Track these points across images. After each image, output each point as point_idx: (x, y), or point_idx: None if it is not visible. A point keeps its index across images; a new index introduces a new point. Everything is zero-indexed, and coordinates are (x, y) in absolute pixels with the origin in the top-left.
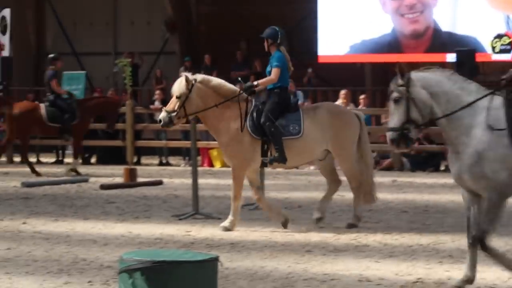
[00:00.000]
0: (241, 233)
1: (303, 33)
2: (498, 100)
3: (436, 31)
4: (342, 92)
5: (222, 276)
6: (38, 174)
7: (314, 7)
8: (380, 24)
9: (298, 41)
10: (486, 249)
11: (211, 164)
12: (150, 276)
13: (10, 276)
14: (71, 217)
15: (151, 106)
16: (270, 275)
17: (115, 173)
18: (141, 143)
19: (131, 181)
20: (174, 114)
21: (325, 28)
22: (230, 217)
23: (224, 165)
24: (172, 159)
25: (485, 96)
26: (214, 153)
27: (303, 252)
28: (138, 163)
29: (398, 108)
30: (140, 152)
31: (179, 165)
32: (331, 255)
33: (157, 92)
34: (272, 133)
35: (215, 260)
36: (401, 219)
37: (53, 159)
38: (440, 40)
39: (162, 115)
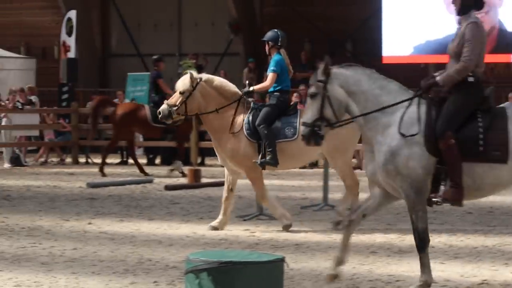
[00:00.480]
0: (306, 234)
1: (367, 33)
2: (416, 104)
3: (502, 32)
4: None
5: (287, 277)
6: (146, 174)
7: (379, 7)
8: (444, 24)
9: (362, 41)
10: (425, 252)
11: None
12: (216, 277)
13: (77, 276)
14: (136, 217)
15: None
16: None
17: (180, 174)
18: (205, 144)
19: (195, 182)
20: (174, 108)
21: (389, 29)
22: (279, 214)
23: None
24: None
25: (404, 101)
26: None
27: (368, 253)
28: (202, 164)
29: (313, 103)
30: (204, 153)
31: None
32: (396, 256)
33: None
34: (265, 136)
35: (281, 261)
36: (466, 221)
37: (118, 160)
38: (505, 41)
39: (163, 107)
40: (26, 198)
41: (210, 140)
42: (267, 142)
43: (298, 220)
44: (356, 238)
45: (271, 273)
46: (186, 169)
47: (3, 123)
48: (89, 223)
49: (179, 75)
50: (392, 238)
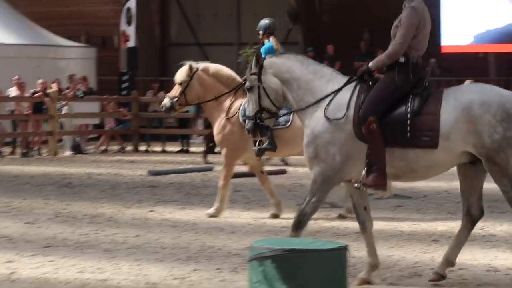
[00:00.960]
0: None
1: None
2: (350, 89)
3: None
4: (467, 82)
5: (349, 265)
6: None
7: None
8: (504, 13)
9: None
10: (297, 233)
11: None
12: (280, 264)
13: (140, 263)
14: (197, 205)
15: None
16: (397, 264)
17: (240, 162)
18: None
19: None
20: (175, 100)
21: (449, 18)
22: (216, 204)
23: None
24: None
25: (338, 90)
26: None
27: (430, 241)
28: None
29: (251, 97)
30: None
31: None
32: None
33: None
34: None
35: (344, 249)
36: None
37: (178, 148)
38: None
39: (165, 100)
40: (87, 185)
41: None
42: None
43: None
44: (417, 226)
45: (335, 261)
46: None
47: (64, 112)
48: (151, 211)
49: (238, 65)
50: (453, 226)
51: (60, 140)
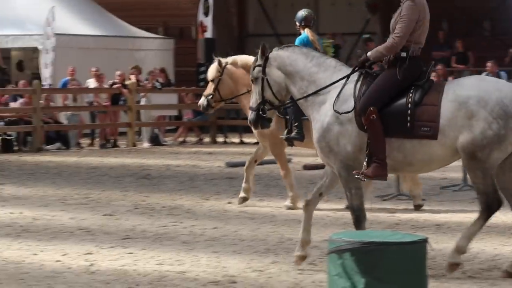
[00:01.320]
0: (446, 215)
1: (505, 12)
2: (354, 80)
3: None
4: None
5: (429, 258)
6: None
7: None
8: None
9: (500, 20)
10: (361, 227)
11: None
12: (359, 257)
13: (218, 255)
14: (276, 197)
15: None
16: (477, 257)
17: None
18: None
19: None
20: (210, 97)
21: None
22: (289, 194)
23: None
24: None
25: (341, 79)
26: None
27: (509, 234)
28: None
29: (255, 88)
30: None
31: None
32: None
33: None
34: (291, 111)
35: (424, 241)
36: None
37: (256, 140)
38: None
39: (201, 100)
40: (165, 177)
41: None
42: (293, 118)
43: (438, 200)
44: (497, 219)
45: (414, 254)
46: None
47: (142, 103)
48: (229, 203)
49: None
50: None
51: (138, 132)
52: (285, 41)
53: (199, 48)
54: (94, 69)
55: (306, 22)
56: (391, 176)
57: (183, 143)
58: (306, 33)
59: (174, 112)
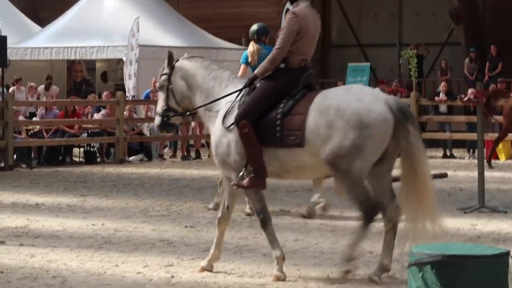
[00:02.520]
0: None
1: None
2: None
3: None
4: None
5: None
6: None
7: None
8: None
9: None
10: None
11: (496, 157)
12: (440, 270)
13: (298, 267)
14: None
15: (436, 98)
16: None
17: (396, 166)
18: (425, 135)
19: None
20: None
21: None
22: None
23: (509, 157)
24: (456, 152)
25: (228, 95)
26: (499, 145)
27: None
28: None
29: (161, 94)
30: (424, 144)
31: (463, 158)
32: None
33: (442, 83)
34: None
35: (506, 254)
36: None
37: None
38: None
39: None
40: None
41: (430, 131)
42: None
43: None
44: None
45: (496, 267)
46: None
47: None
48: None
49: (400, 65)
50: None
51: None
52: (368, 52)
53: None
54: None
55: (258, 35)
56: (473, 188)
57: None
58: (250, 46)
59: None
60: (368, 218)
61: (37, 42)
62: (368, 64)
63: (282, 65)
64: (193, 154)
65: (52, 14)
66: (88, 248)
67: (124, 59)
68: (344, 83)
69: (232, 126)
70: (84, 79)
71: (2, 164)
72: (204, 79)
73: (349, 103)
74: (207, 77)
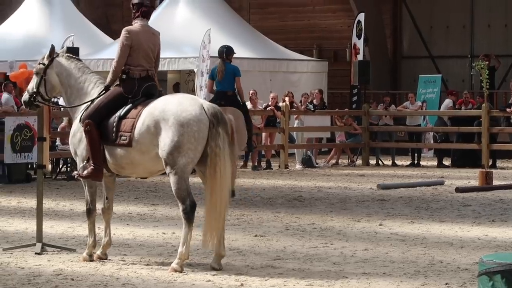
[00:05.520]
0: None
1: None
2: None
3: None
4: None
5: None
6: None
7: None
8: None
9: None
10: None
11: None
12: (510, 279)
13: (368, 277)
14: (427, 219)
15: (508, 109)
16: None
17: (470, 176)
18: (497, 146)
19: (487, 184)
20: None
21: None
22: None
23: None
24: None
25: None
26: None
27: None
28: (493, 166)
29: (34, 79)
30: (496, 155)
31: None
32: None
33: None
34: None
35: None
36: None
37: (408, 162)
38: None
39: None
40: (317, 198)
41: (502, 143)
42: None
43: None
44: None
45: None
46: (477, 171)
47: (295, 125)
48: (380, 224)
49: (471, 77)
50: None
51: (290, 154)
52: (440, 63)
53: (353, 70)
54: (252, 91)
55: (226, 55)
56: None
57: (335, 165)
58: (218, 65)
59: (327, 135)
60: (188, 214)
61: (109, 53)
62: (440, 75)
63: (123, 76)
64: (263, 164)
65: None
66: (158, 256)
67: (195, 70)
68: (415, 95)
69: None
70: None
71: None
72: (76, 80)
73: (171, 106)
74: (79, 79)
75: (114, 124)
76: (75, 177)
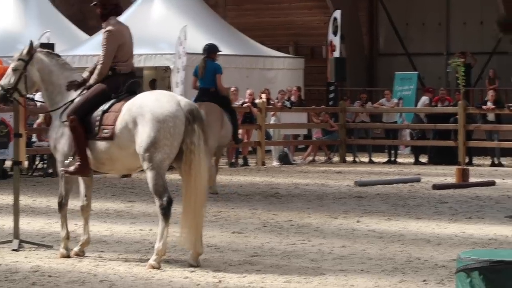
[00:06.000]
0: None
1: None
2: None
3: None
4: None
5: None
6: None
7: None
8: None
9: None
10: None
11: None
12: (488, 276)
13: (346, 274)
14: (404, 216)
15: (483, 107)
16: None
17: (447, 173)
18: (473, 143)
19: (463, 181)
20: None
21: None
22: None
23: None
24: (504, 160)
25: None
26: None
27: None
28: (470, 163)
29: (13, 74)
30: (472, 152)
31: (511, 166)
32: None
33: (490, 92)
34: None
35: None
36: None
37: (385, 159)
38: None
39: None
40: (294, 195)
41: (478, 140)
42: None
43: None
44: None
45: None
46: (453, 168)
47: (272, 122)
48: (357, 221)
49: (447, 74)
50: None
51: (267, 151)
52: (416, 61)
53: (329, 67)
54: (233, 88)
55: (208, 53)
56: None
57: (312, 162)
58: (200, 62)
59: (304, 131)
60: (164, 209)
61: (85, 49)
62: (416, 73)
63: (110, 72)
64: (240, 161)
65: (100, 23)
66: (135, 253)
67: (171, 67)
68: (391, 92)
69: (66, 121)
70: None
71: (51, 170)
72: (58, 77)
73: (148, 102)
74: (60, 75)
75: (98, 118)
76: (62, 173)
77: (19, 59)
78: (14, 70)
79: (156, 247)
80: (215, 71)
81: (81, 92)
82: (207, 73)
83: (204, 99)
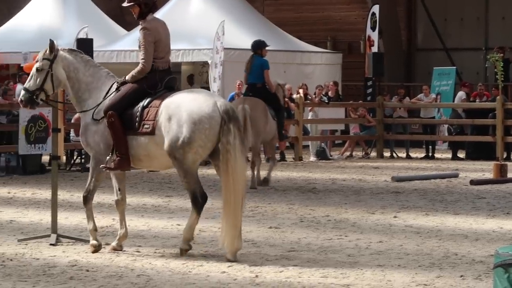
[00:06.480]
0: None
1: None
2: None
3: None
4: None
5: None
6: None
7: None
8: None
9: None
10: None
11: None
12: None
13: (383, 269)
14: (442, 211)
15: None
16: None
17: (485, 169)
18: (511, 138)
19: (501, 176)
20: None
21: None
22: None
23: None
24: None
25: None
26: None
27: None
28: (508, 158)
29: (38, 75)
30: (510, 147)
31: None
32: None
33: None
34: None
35: None
36: None
37: (422, 154)
38: None
39: None
40: (331, 191)
41: None
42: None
43: None
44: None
45: None
46: (491, 163)
47: (309, 117)
48: (395, 217)
49: (486, 69)
50: None
51: (305, 146)
52: (454, 56)
53: (367, 62)
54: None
55: (255, 49)
56: None
57: (349, 157)
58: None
59: (341, 127)
60: (197, 205)
61: (122, 45)
62: (454, 68)
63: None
64: (277, 156)
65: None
66: (172, 248)
67: (209, 62)
68: (429, 87)
69: (102, 119)
70: None
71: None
72: (84, 74)
73: (185, 102)
74: (86, 72)
75: (138, 113)
76: (104, 170)
77: (43, 59)
78: (39, 70)
79: (184, 236)
80: (262, 67)
81: (117, 88)
82: (254, 68)
83: (250, 94)
